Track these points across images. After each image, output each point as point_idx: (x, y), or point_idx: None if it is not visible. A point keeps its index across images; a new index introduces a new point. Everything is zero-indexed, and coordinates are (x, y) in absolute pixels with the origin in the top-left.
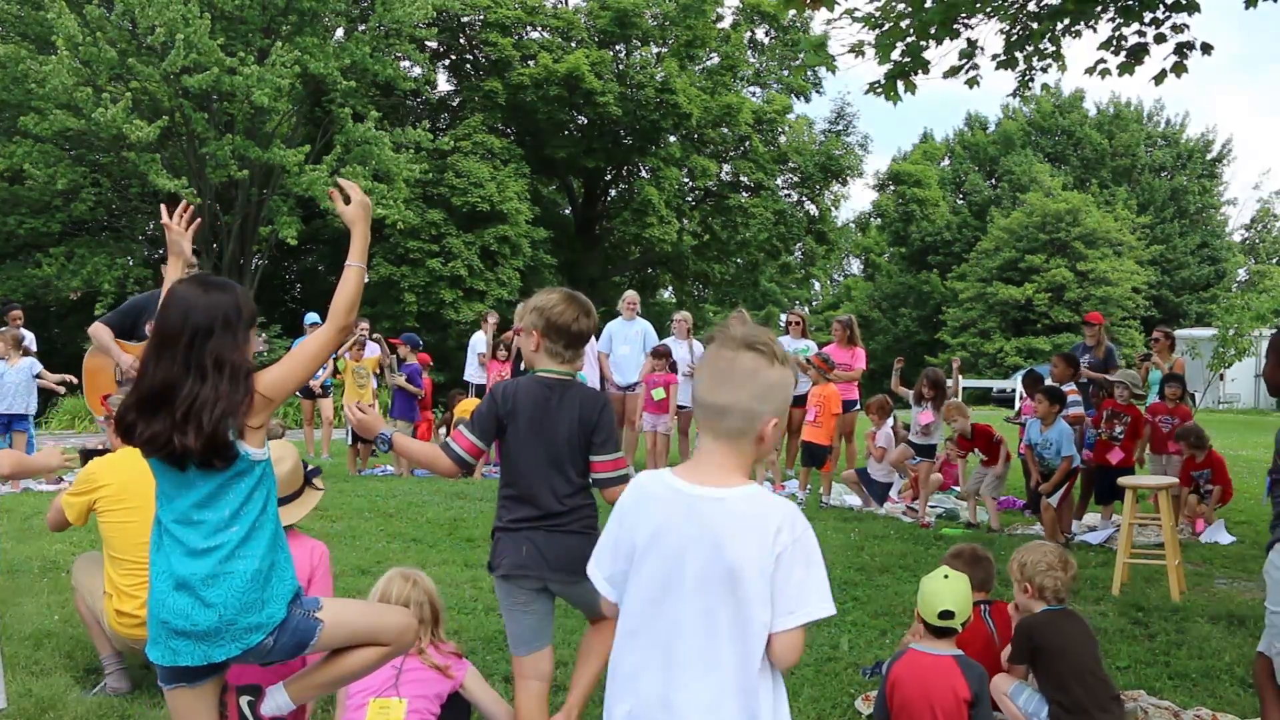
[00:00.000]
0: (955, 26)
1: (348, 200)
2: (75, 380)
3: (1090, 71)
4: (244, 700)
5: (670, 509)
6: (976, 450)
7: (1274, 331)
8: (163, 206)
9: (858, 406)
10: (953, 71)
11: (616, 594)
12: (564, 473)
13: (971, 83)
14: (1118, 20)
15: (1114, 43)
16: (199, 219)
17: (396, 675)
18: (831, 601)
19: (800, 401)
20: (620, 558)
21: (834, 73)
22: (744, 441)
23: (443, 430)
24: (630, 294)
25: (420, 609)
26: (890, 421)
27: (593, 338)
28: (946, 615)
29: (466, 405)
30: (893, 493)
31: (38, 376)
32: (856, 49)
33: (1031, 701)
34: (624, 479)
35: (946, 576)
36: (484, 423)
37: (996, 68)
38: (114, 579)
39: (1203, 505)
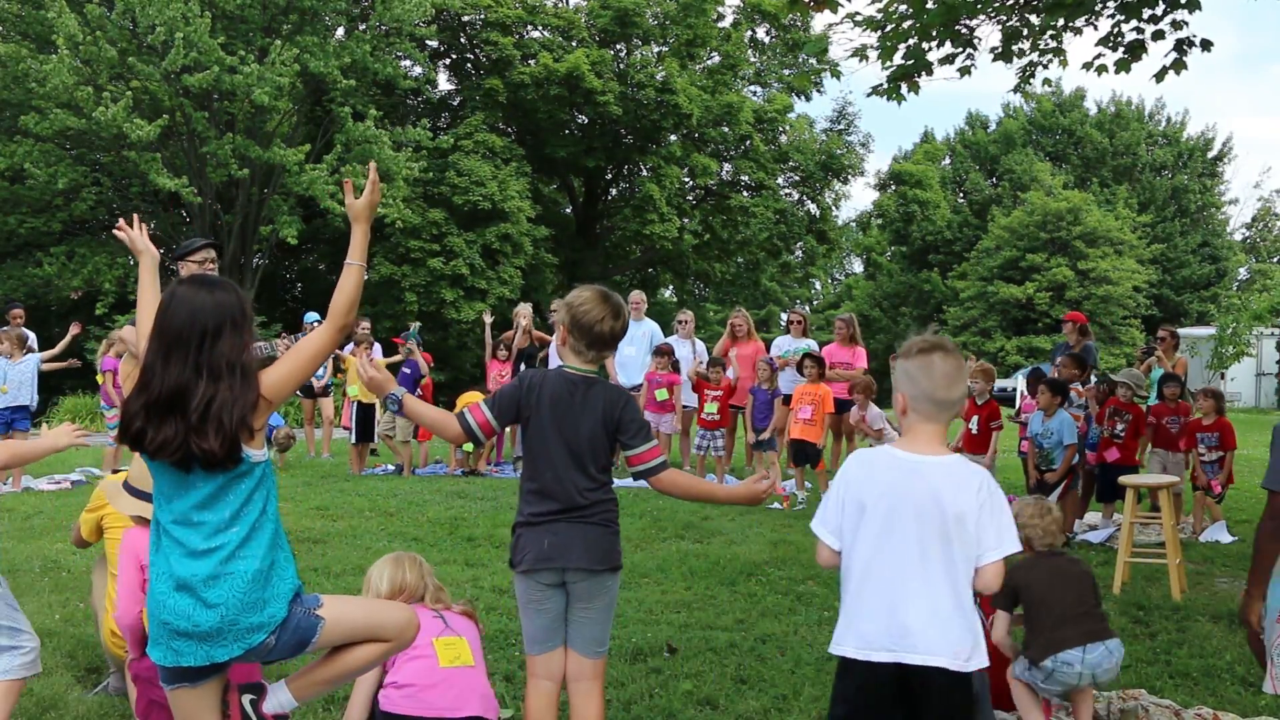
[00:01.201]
0: (957, 28)
1: (357, 195)
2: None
3: (1088, 67)
4: (246, 699)
5: (896, 473)
6: (974, 421)
7: None
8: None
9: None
10: (947, 59)
11: (839, 544)
12: (585, 469)
13: (964, 71)
14: (1117, 17)
15: (1112, 39)
16: (144, 224)
17: (443, 621)
18: (1017, 540)
19: (786, 400)
20: (846, 514)
21: (839, 79)
22: (951, 416)
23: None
24: (636, 294)
25: (430, 577)
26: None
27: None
28: None
29: (467, 397)
30: None
31: (48, 360)
32: (860, 53)
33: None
34: (663, 465)
35: None
36: (504, 404)
37: (994, 59)
38: (112, 595)
39: (1205, 478)
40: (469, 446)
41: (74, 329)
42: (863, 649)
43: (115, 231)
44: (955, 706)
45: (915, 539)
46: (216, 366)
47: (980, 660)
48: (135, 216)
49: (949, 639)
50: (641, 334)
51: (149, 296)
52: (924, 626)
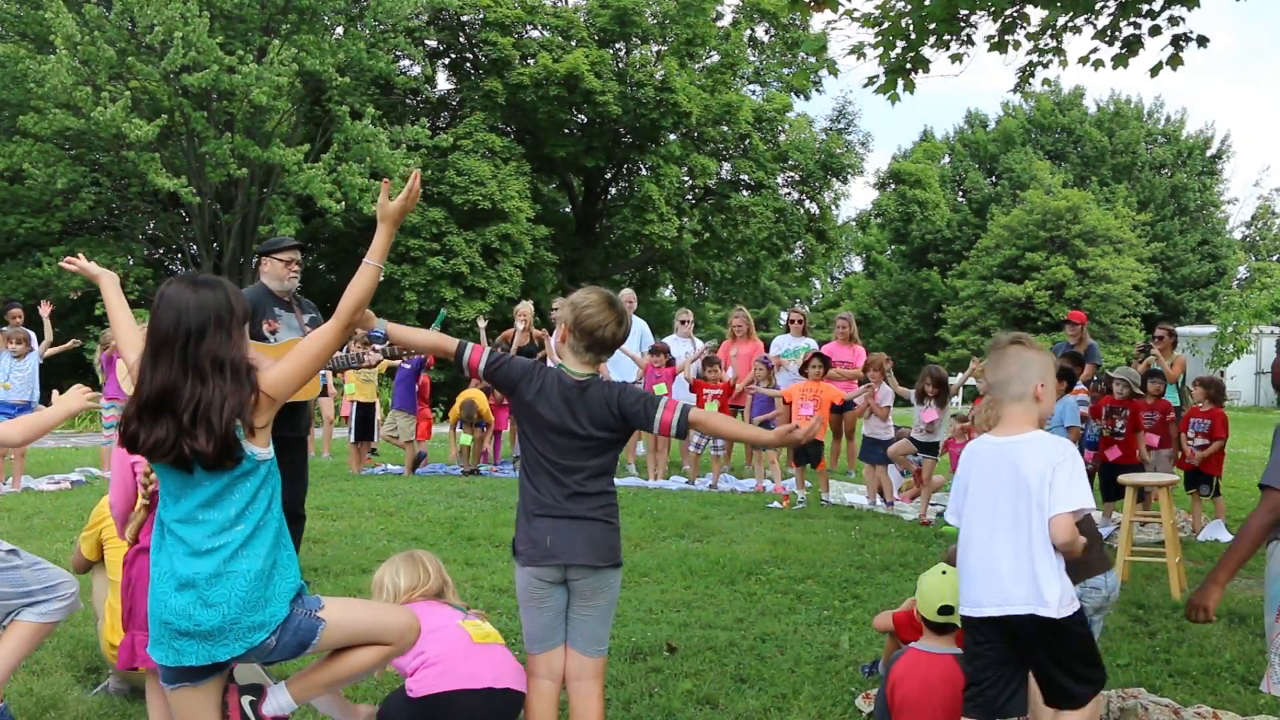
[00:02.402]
0: (955, 22)
1: (393, 197)
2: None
3: (1084, 62)
4: (246, 700)
5: (987, 455)
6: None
7: None
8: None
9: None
10: (942, 44)
11: (959, 522)
12: (585, 467)
13: (956, 58)
14: (1115, 15)
15: (1109, 34)
16: (77, 254)
17: (463, 612)
18: (1093, 499)
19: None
20: (960, 497)
21: (836, 76)
22: (1026, 400)
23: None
24: (627, 292)
25: (444, 573)
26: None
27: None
28: (946, 611)
29: (467, 394)
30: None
31: (47, 348)
32: (857, 50)
33: None
34: (686, 410)
35: (944, 572)
36: (507, 369)
37: (990, 49)
38: (112, 604)
39: (1192, 451)
40: (466, 440)
41: (43, 308)
42: (973, 608)
43: (63, 265)
44: (1051, 645)
45: (1007, 509)
46: (202, 366)
47: (1071, 607)
48: (80, 255)
49: (1039, 591)
50: (632, 332)
51: (120, 315)
52: (1015, 583)
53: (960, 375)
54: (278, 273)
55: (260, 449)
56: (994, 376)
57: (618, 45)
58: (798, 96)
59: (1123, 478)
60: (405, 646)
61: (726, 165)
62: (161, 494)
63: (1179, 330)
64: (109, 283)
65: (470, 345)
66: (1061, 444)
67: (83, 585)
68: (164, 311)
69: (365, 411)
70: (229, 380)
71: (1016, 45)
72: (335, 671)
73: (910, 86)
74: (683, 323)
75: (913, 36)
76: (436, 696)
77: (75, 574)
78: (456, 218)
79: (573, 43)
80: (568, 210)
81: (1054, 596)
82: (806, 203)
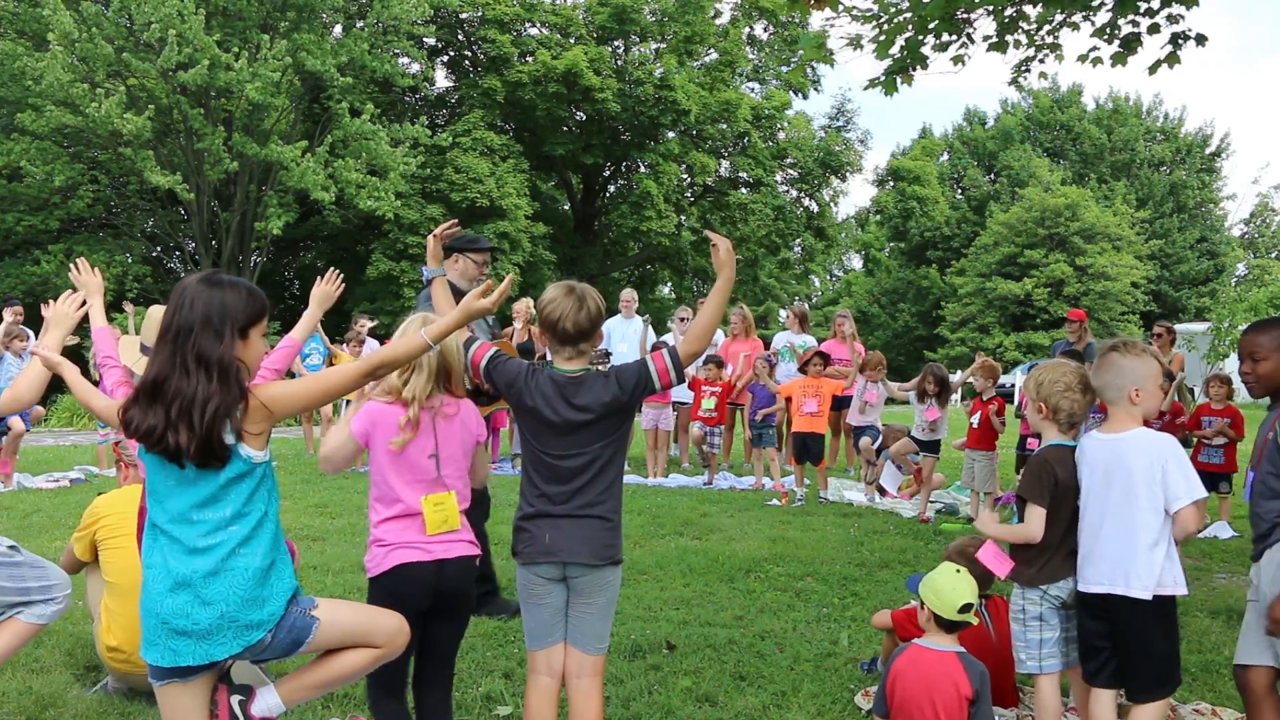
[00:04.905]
0: (955, 20)
1: (486, 293)
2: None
3: (1083, 59)
4: (235, 699)
5: (1097, 449)
6: (976, 416)
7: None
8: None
9: None
10: (941, 46)
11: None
12: (584, 465)
13: (958, 60)
14: (1113, 13)
15: (1107, 31)
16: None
17: (437, 465)
18: (1203, 487)
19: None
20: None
21: (833, 67)
22: (1122, 402)
23: None
24: (627, 292)
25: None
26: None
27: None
28: (966, 609)
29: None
30: (891, 488)
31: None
32: (855, 42)
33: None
34: (674, 352)
35: (959, 571)
36: (503, 371)
37: (988, 49)
38: (109, 604)
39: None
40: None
41: (9, 314)
42: (1082, 585)
43: (31, 353)
44: (1131, 623)
45: (1116, 498)
46: (186, 361)
47: (1166, 590)
48: (46, 347)
49: (1136, 573)
50: (633, 331)
51: (77, 382)
52: (1116, 565)
53: (960, 374)
54: (470, 273)
55: (255, 452)
56: (1095, 382)
57: (616, 42)
58: (796, 95)
59: None
60: (395, 650)
61: (725, 163)
62: (149, 493)
63: (1177, 327)
64: (70, 371)
65: (479, 341)
66: (1164, 440)
67: (78, 586)
68: (170, 304)
69: None
70: (214, 380)
71: (1018, 45)
72: (325, 674)
73: (908, 80)
74: (680, 320)
75: (910, 34)
76: (384, 575)
77: (65, 572)
78: (455, 215)
79: (571, 40)
80: (566, 208)
81: (1149, 580)
82: (805, 200)
